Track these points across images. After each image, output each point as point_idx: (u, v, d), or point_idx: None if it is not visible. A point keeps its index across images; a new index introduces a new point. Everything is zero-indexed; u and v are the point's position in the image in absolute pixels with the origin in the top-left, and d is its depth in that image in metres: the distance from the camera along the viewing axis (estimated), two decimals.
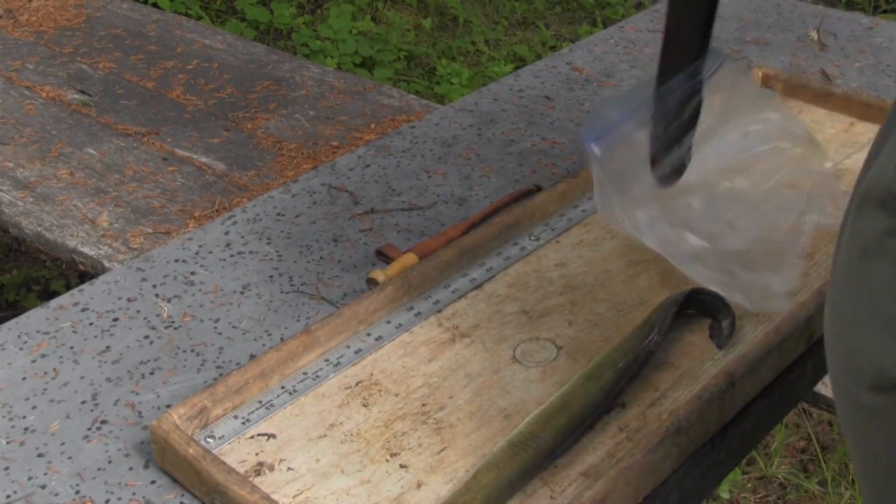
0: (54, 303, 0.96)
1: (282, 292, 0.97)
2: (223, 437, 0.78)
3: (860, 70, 1.41)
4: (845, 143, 1.18)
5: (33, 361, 0.88)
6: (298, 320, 0.93)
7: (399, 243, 1.04)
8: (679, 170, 0.89)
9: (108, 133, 1.76)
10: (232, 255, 1.03)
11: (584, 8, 3.61)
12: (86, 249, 1.46)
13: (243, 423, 0.79)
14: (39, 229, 1.51)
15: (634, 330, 0.86)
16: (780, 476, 1.89)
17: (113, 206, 1.55)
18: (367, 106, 1.82)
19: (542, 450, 0.75)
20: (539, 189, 1.11)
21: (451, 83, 2.98)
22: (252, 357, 0.88)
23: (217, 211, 1.52)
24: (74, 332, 0.92)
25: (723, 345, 0.86)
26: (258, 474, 0.75)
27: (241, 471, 0.75)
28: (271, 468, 0.76)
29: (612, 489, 0.72)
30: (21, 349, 0.90)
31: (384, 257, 1.02)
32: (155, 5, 2.76)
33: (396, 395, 0.83)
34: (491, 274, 0.97)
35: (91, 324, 0.93)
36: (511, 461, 0.73)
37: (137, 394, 0.85)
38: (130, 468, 0.78)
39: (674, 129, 0.87)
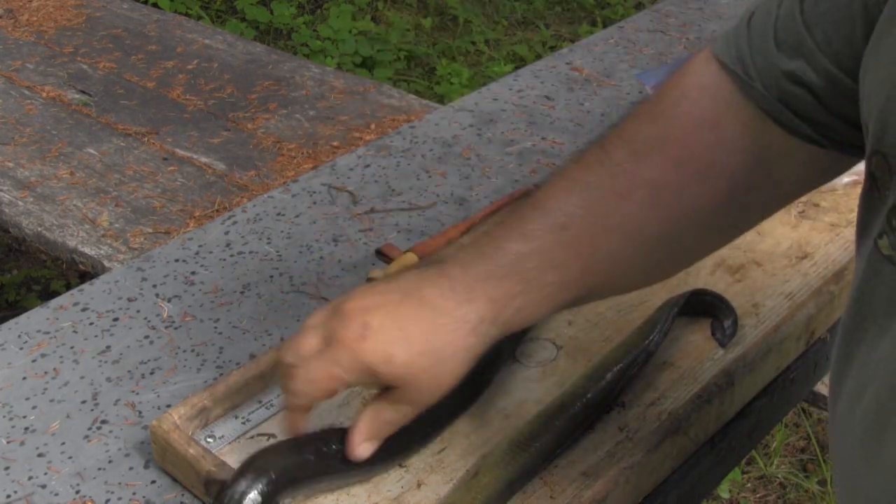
0: (54, 303, 0.96)
1: (282, 292, 0.97)
2: (223, 436, 0.78)
3: None
4: None
5: (33, 361, 0.88)
6: (298, 320, 0.93)
7: (399, 243, 1.04)
8: None
9: (109, 133, 1.76)
10: (232, 255, 1.03)
11: (584, 8, 3.61)
12: (86, 249, 1.46)
13: (243, 423, 0.79)
14: (39, 229, 1.51)
15: (635, 330, 0.86)
16: (779, 476, 1.89)
17: (113, 206, 1.55)
18: (367, 106, 1.82)
19: (542, 450, 0.75)
20: None
21: (451, 83, 2.98)
22: (252, 357, 0.88)
23: (217, 211, 1.52)
24: (74, 331, 0.92)
25: (726, 343, 0.86)
26: None
27: None
28: None
29: (612, 489, 0.72)
30: (21, 349, 0.90)
31: (384, 257, 1.02)
32: (155, 5, 2.76)
33: None
34: None
35: (91, 324, 0.93)
36: (511, 461, 0.73)
37: (137, 394, 0.85)
38: (130, 468, 0.78)
39: None
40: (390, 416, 0.70)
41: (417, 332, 0.66)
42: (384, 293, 0.68)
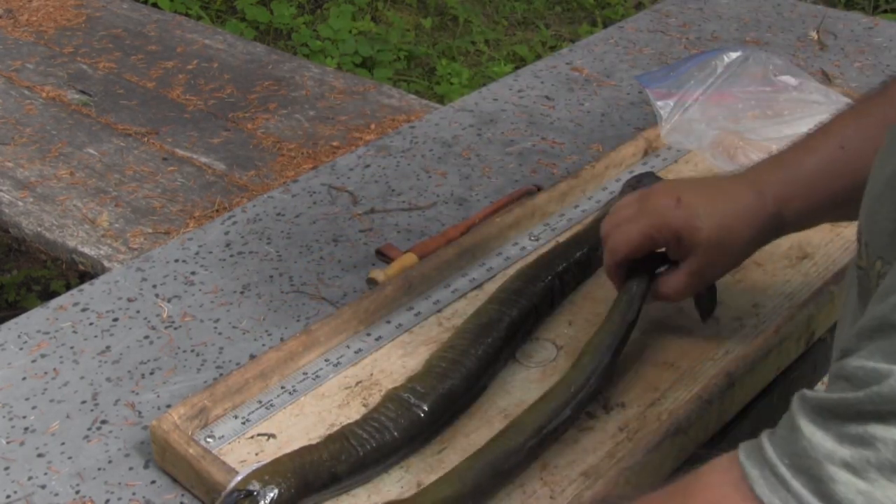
0: (54, 303, 0.96)
1: (282, 292, 0.97)
2: (223, 436, 0.78)
3: (860, 70, 1.41)
4: None
5: (33, 361, 0.88)
6: (298, 320, 0.93)
7: (399, 243, 1.04)
8: None
9: (108, 133, 1.76)
10: (232, 255, 1.03)
11: (584, 8, 3.61)
12: (86, 249, 1.46)
13: (243, 423, 0.79)
14: (39, 229, 1.51)
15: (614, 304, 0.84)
16: None
17: (113, 206, 1.55)
18: (367, 106, 1.82)
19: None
20: (539, 189, 1.11)
21: (451, 83, 2.98)
22: (252, 357, 0.88)
23: (217, 211, 1.52)
24: (74, 332, 0.92)
25: (705, 317, 0.88)
26: None
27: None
28: None
29: (612, 489, 0.72)
30: (21, 349, 0.90)
31: (384, 257, 1.02)
32: (155, 5, 2.76)
33: None
34: (491, 274, 0.97)
35: (91, 324, 0.93)
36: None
37: (137, 394, 0.85)
38: (130, 468, 0.78)
39: None
40: (681, 286, 0.82)
41: (720, 209, 0.78)
42: (690, 181, 0.84)
